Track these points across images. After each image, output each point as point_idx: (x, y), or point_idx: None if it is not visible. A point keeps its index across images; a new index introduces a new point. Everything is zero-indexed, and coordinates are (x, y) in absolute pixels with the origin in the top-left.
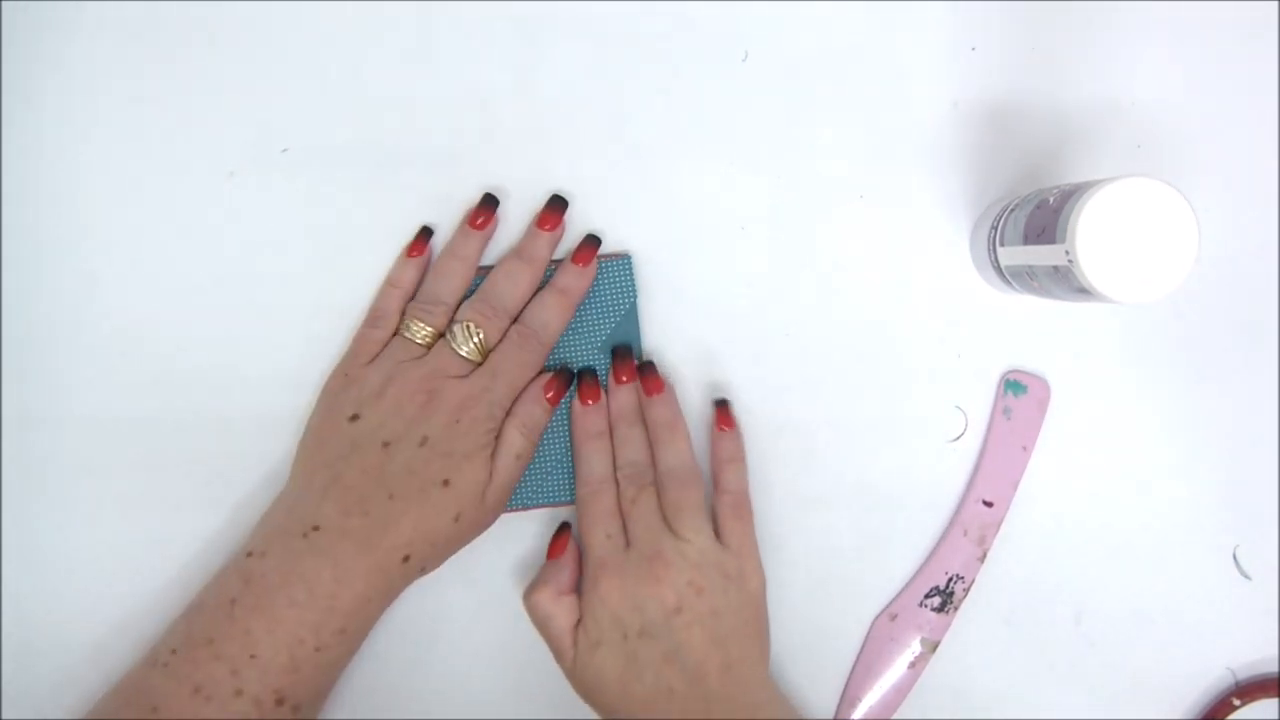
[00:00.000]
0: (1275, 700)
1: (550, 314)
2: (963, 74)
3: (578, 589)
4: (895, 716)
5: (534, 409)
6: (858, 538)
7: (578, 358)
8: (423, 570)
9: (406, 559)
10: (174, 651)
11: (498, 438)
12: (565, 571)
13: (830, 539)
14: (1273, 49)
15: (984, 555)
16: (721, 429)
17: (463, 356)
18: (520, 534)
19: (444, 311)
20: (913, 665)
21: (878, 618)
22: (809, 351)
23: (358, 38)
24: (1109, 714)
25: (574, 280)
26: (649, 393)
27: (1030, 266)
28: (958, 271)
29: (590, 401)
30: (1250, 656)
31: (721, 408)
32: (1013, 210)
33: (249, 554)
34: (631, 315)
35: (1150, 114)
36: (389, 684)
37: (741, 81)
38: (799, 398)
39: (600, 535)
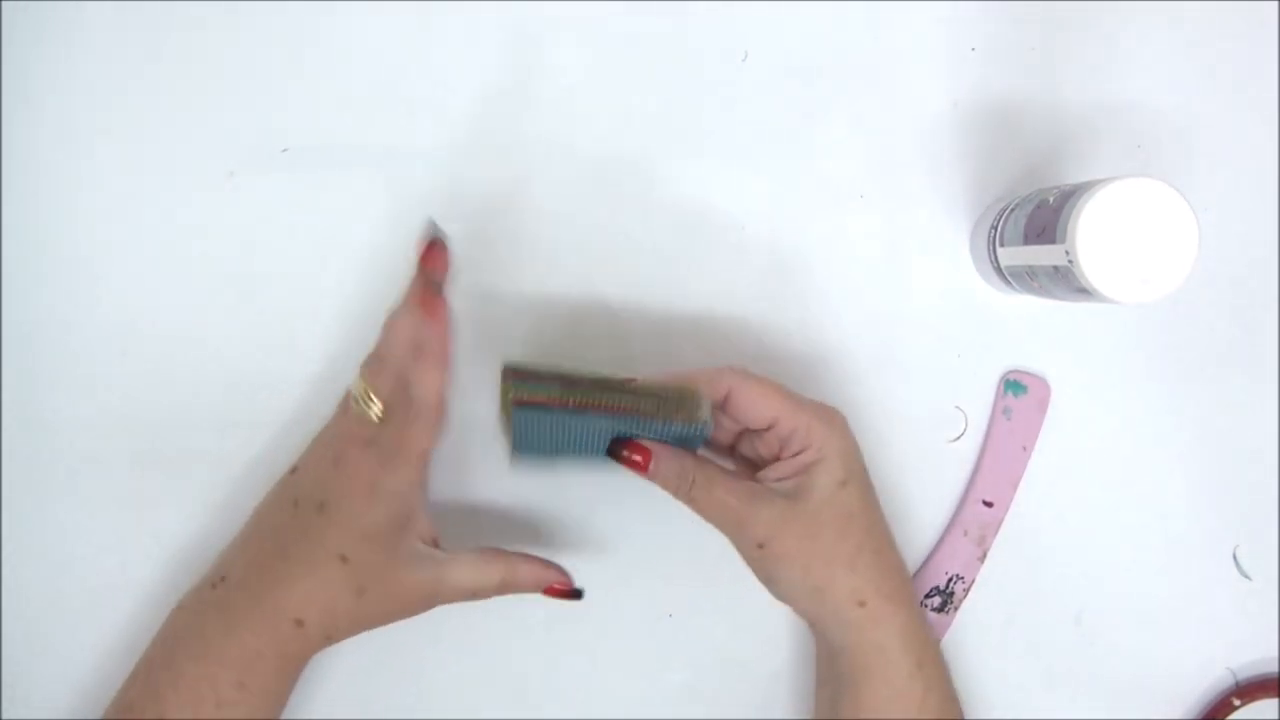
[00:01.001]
0: (1275, 700)
1: (422, 388)
2: (963, 74)
3: None
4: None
5: (543, 573)
6: None
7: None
8: (328, 639)
9: (300, 623)
10: None
11: (489, 562)
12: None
13: None
14: (1273, 49)
15: (984, 555)
16: None
17: (370, 419)
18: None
19: (369, 370)
20: None
21: None
22: (809, 351)
23: (358, 38)
24: (1109, 714)
25: (430, 341)
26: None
27: (1030, 266)
28: (958, 271)
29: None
30: (1250, 656)
31: None
32: (1013, 210)
33: (176, 607)
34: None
35: (1150, 114)
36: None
37: (741, 81)
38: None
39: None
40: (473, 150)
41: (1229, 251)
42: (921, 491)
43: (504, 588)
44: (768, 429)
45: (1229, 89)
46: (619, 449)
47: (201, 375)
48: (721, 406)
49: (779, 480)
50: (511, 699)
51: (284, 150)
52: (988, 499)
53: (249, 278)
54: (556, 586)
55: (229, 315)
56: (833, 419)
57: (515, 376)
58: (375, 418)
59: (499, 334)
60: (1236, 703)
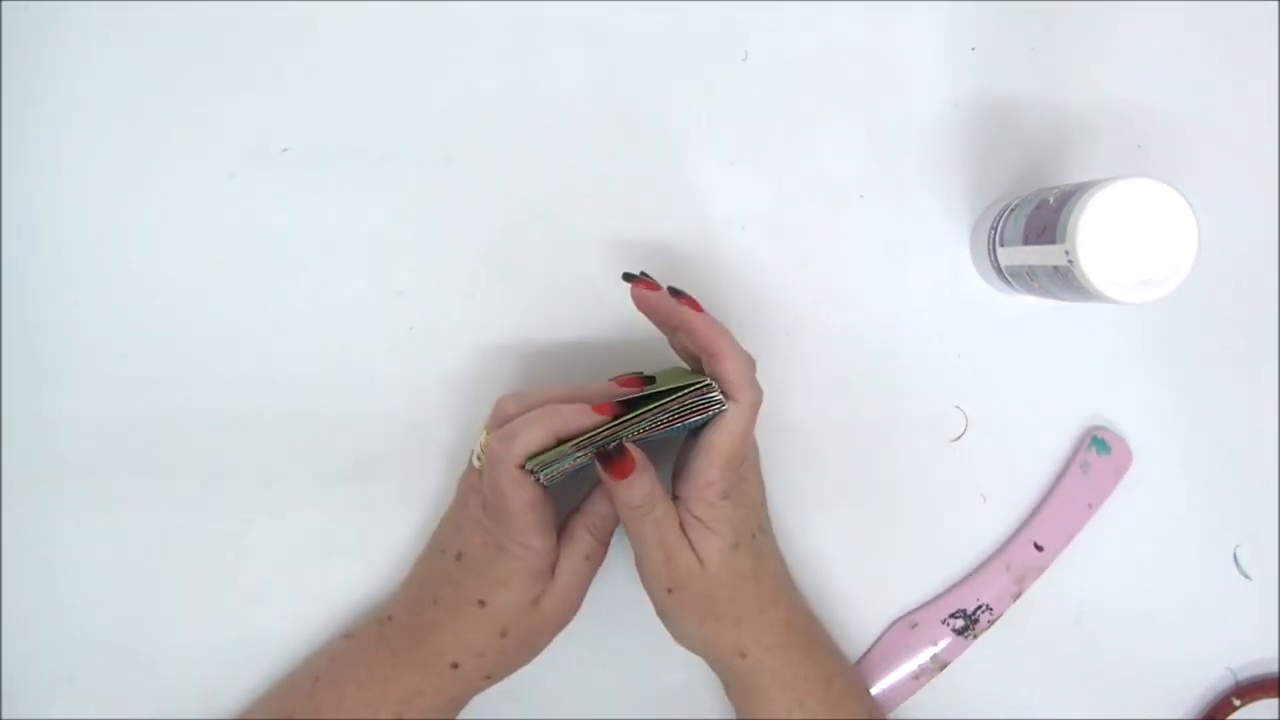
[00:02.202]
0: (1275, 700)
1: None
2: (963, 74)
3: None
4: (891, 717)
5: (601, 506)
6: (856, 537)
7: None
8: (488, 679)
9: (455, 666)
10: None
11: (563, 536)
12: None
13: (829, 538)
14: (1273, 49)
15: (1019, 594)
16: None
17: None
18: None
19: (492, 424)
20: (916, 677)
21: (898, 621)
22: (809, 352)
23: (358, 37)
24: (1109, 714)
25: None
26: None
27: (1030, 266)
28: (958, 271)
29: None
30: (1250, 656)
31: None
32: (1013, 210)
33: (344, 635)
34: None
35: (1150, 114)
36: None
37: (741, 81)
38: (799, 398)
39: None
40: (472, 150)
41: (1229, 251)
42: (921, 492)
43: (600, 539)
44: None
45: (1229, 89)
46: (607, 453)
47: (201, 375)
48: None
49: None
50: (511, 699)
51: (284, 150)
52: (1040, 543)
53: (249, 277)
54: (616, 468)
55: (229, 315)
56: (734, 491)
57: (535, 467)
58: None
59: (499, 333)
60: (1236, 703)
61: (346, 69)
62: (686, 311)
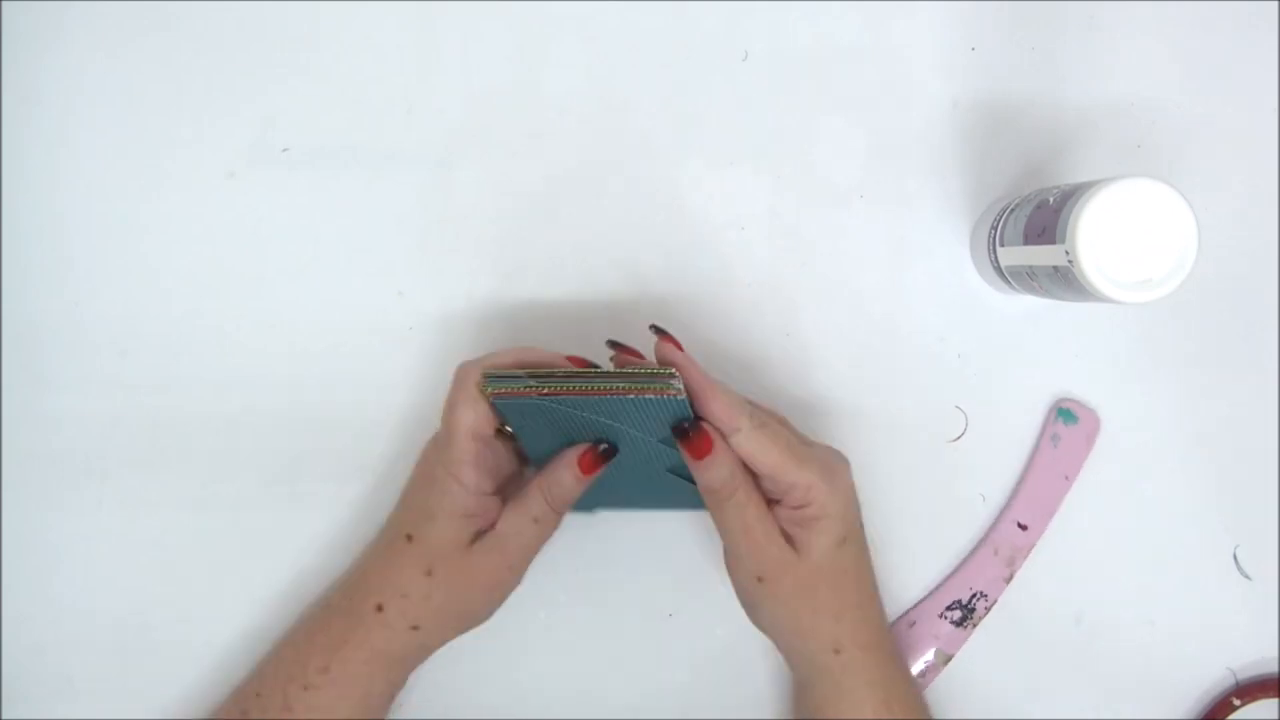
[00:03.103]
0: (1275, 700)
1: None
2: (963, 74)
3: None
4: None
5: (562, 474)
6: None
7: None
8: (414, 629)
9: (380, 609)
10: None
11: (517, 496)
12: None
13: None
14: (1272, 49)
15: (1010, 577)
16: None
17: None
18: None
19: None
20: (923, 674)
21: (897, 621)
22: (809, 352)
23: (358, 38)
24: (1109, 714)
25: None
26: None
27: (1030, 266)
28: (958, 271)
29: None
30: (1250, 656)
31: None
32: (1013, 210)
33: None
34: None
35: (1150, 114)
36: None
37: (741, 81)
38: (799, 398)
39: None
40: (472, 150)
41: (1229, 251)
42: (921, 492)
43: (554, 505)
44: (768, 476)
45: (1229, 89)
46: (684, 429)
47: (201, 375)
48: None
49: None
50: (511, 699)
51: (284, 150)
52: (1023, 522)
53: (249, 277)
54: (588, 458)
55: (229, 315)
56: (834, 477)
57: (489, 378)
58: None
59: (499, 332)
60: (1236, 703)
61: (346, 69)
62: (668, 349)
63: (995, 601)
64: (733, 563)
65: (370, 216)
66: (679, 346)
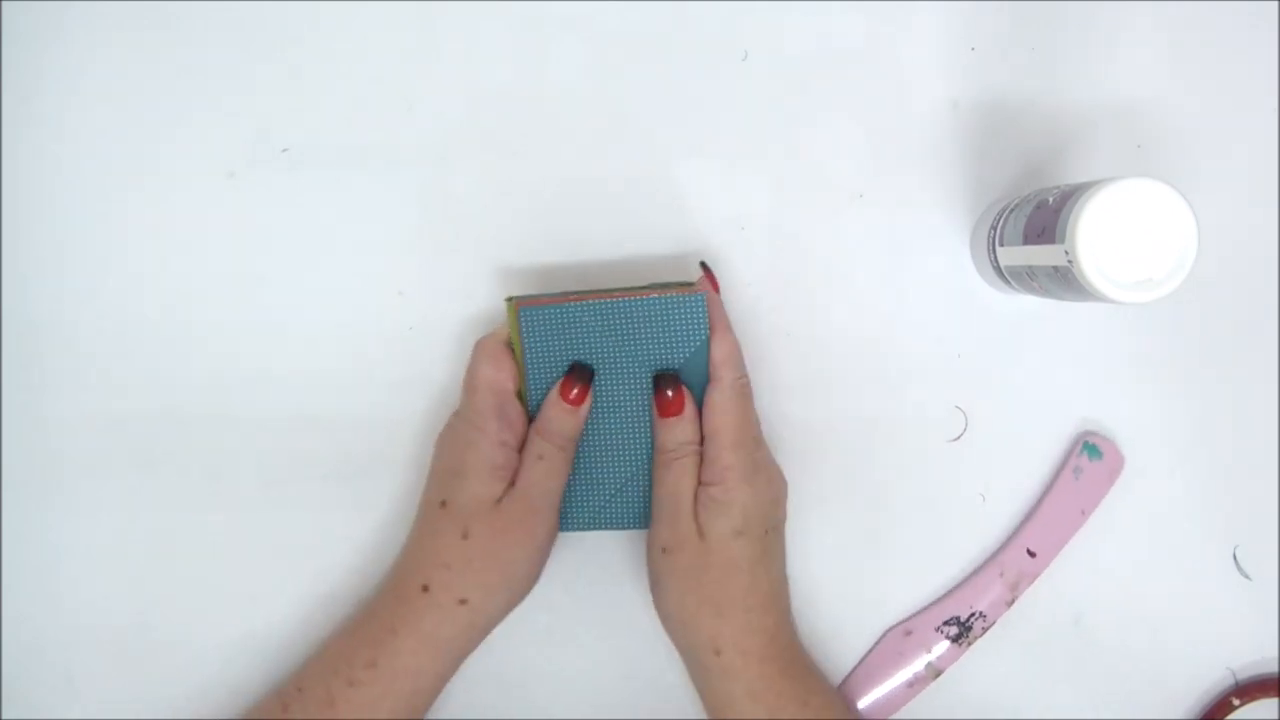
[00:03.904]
0: (1275, 700)
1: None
2: (963, 74)
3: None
4: (892, 718)
5: (552, 413)
6: (856, 538)
7: (637, 395)
8: (462, 603)
9: (425, 589)
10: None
11: (525, 448)
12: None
13: (828, 539)
14: (1272, 49)
15: (1012, 601)
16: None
17: None
18: None
19: None
20: (911, 685)
21: (892, 629)
22: (809, 352)
23: (358, 38)
24: (1109, 714)
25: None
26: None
27: (1030, 266)
28: (958, 271)
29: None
30: (1250, 656)
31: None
32: (1013, 210)
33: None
34: (700, 354)
35: (1150, 114)
36: None
37: (741, 81)
38: (799, 398)
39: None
40: (472, 150)
41: (1229, 251)
42: (921, 493)
43: (552, 440)
44: (710, 435)
45: (1229, 89)
46: (664, 383)
47: (201, 375)
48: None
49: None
50: (511, 699)
51: (284, 150)
52: (1033, 550)
53: (249, 277)
54: (568, 384)
55: (229, 315)
56: (758, 477)
57: (516, 298)
58: None
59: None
60: (1236, 703)
61: (347, 69)
62: (704, 283)
63: (993, 623)
64: (651, 532)
65: (370, 216)
66: (716, 288)
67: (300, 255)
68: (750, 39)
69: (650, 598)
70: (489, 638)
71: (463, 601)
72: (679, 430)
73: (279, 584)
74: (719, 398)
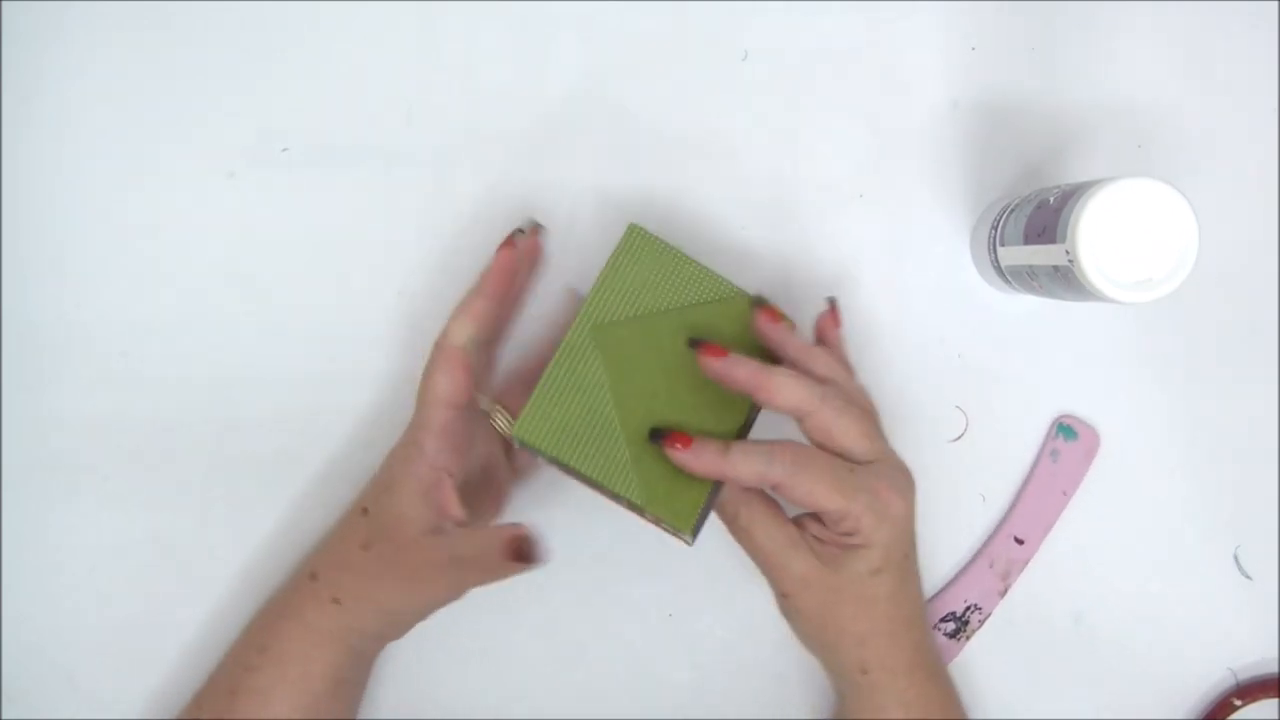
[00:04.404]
0: (1276, 700)
1: (443, 334)
2: (963, 74)
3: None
4: None
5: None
6: None
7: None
8: (335, 601)
9: (313, 577)
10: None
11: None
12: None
13: None
14: (1272, 49)
15: (1005, 590)
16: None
17: None
18: None
19: None
20: None
21: None
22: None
23: (358, 38)
24: (1109, 714)
25: (476, 289)
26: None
27: (1030, 266)
28: (958, 271)
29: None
30: (1251, 657)
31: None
32: (1013, 210)
33: None
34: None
35: (1150, 114)
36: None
37: (741, 81)
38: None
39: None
40: (472, 150)
41: (1229, 251)
42: (921, 492)
43: (472, 579)
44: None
45: (1229, 89)
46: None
47: (201, 375)
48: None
49: (818, 540)
50: (512, 699)
51: (284, 150)
52: (1020, 536)
53: (249, 277)
54: (513, 545)
55: (229, 315)
56: (886, 506)
57: (527, 419)
58: None
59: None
60: (1237, 703)
61: (346, 69)
62: (762, 322)
63: (989, 614)
64: (768, 581)
65: (370, 216)
66: (775, 318)
67: (300, 255)
68: (750, 39)
69: (649, 596)
70: (488, 636)
71: (335, 600)
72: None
73: (278, 584)
74: (804, 479)
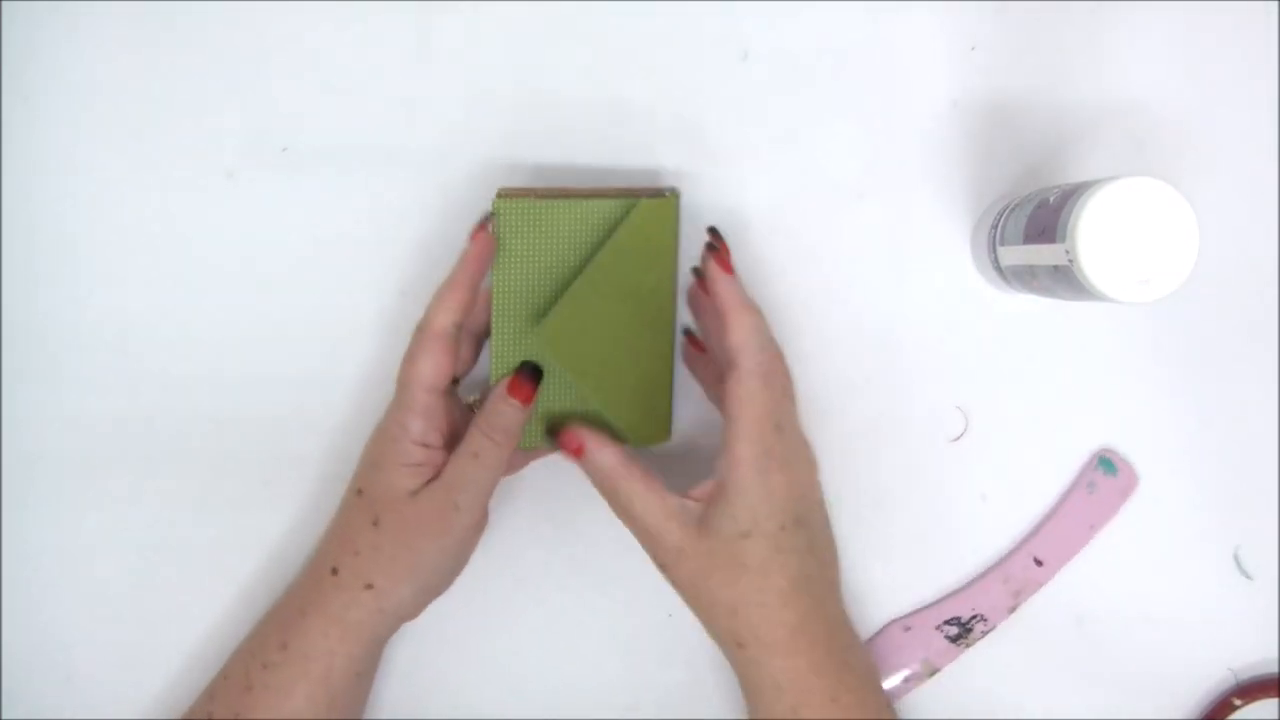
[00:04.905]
0: (1276, 700)
1: (423, 317)
2: (963, 74)
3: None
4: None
5: (499, 406)
6: (856, 537)
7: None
8: (369, 588)
9: (334, 571)
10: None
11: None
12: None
13: None
14: (1273, 49)
15: (1014, 608)
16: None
17: None
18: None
19: None
20: (906, 680)
21: (891, 624)
22: (809, 352)
23: (358, 38)
24: (1110, 714)
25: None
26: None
27: (1030, 266)
28: (958, 271)
29: None
30: (1251, 656)
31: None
32: (1013, 210)
33: None
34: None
35: (1150, 114)
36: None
37: (741, 81)
38: (800, 398)
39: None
40: (473, 151)
41: (1229, 251)
42: (921, 493)
43: (493, 437)
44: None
45: (1229, 89)
46: (558, 431)
47: (201, 375)
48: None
49: (696, 500)
50: (511, 699)
51: (284, 150)
52: (1040, 558)
53: (248, 277)
54: (517, 381)
55: (228, 315)
56: (769, 471)
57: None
58: None
59: None
60: (1237, 703)
61: (346, 69)
62: (711, 266)
63: (993, 627)
64: (644, 549)
65: (370, 216)
66: (727, 267)
67: (300, 255)
68: (750, 39)
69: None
70: (486, 636)
71: (369, 586)
72: (591, 465)
73: (279, 584)
74: (732, 386)
